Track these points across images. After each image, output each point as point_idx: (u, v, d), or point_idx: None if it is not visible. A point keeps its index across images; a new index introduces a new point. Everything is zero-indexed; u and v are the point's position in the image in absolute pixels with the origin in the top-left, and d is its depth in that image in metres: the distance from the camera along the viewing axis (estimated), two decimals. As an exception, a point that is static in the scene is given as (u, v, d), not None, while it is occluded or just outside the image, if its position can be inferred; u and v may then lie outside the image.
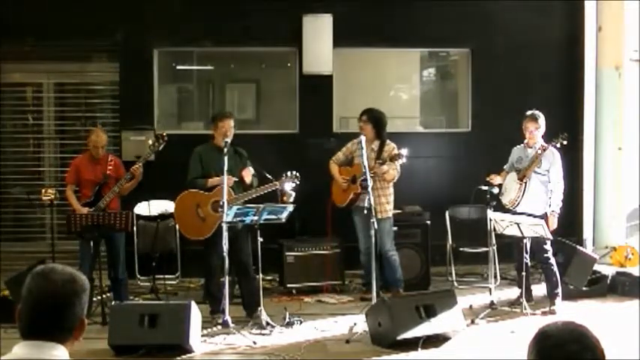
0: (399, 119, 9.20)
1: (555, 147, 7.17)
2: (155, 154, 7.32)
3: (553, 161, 7.17)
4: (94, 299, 6.84)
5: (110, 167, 7.05)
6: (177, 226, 7.93)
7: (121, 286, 7.11)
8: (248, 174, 6.77)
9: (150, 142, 7.21)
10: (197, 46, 9.13)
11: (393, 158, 7.31)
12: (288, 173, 6.71)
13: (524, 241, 7.00)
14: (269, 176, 6.74)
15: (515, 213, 7.08)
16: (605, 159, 9.56)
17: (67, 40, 8.52)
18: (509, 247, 7.46)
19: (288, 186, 6.71)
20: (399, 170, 7.47)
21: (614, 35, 9.47)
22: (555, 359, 1.98)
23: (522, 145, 7.36)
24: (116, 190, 6.98)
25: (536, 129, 7.19)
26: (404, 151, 7.18)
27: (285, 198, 6.75)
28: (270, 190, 6.74)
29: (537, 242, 7.07)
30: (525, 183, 7.15)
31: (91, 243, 6.81)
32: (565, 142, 7.17)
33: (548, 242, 7.08)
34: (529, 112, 7.25)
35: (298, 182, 6.72)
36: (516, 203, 7.17)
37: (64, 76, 9.05)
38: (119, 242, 7.09)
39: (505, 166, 7.49)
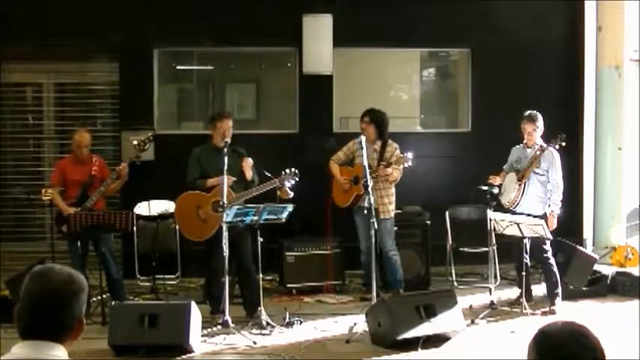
0: (399, 119, 9.19)
1: (554, 148, 7.18)
2: (155, 154, 7.31)
3: (552, 161, 7.18)
4: (94, 299, 6.84)
5: (95, 168, 7.03)
6: (177, 226, 7.94)
7: (116, 286, 7.08)
8: (248, 166, 6.75)
9: (135, 142, 7.15)
10: (197, 46, 9.13)
11: (398, 162, 7.31)
12: (287, 170, 6.71)
13: (524, 241, 7.00)
14: (268, 174, 6.74)
15: (514, 213, 7.09)
16: (605, 159, 9.56)
17: (67, 40, 8.51)
18: (510, 247, 7.46)
19: (288, 183, 6.71)
20: (402, 172, 7.47)
21: (614, 35, 9.46)
22: (556, 359, 1.98)
23: (521, 145, 7.37)
24: (102, 190, 6.95)
25: (534, 130, 7.20)
26: (409, 155, 7.18)
27: (282, 194, 6.74)
28: (269, 187, 6.74)
29: (536, 242, 7.08)
30: (525, 183, 7.16)
31: (79, 243, 6.80)
32: (563, 144, 7.18)
33: (547, 242, 7.08)
34: (527, 113, 7.26)
35: (297, 179, 6.73)
36: (516, 203, 7.18)
37: (64, 76, 9.05)
38: (104, 243, 6.98)
39: (504, 167, 7.49)
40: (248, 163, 6.78)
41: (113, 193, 7.21)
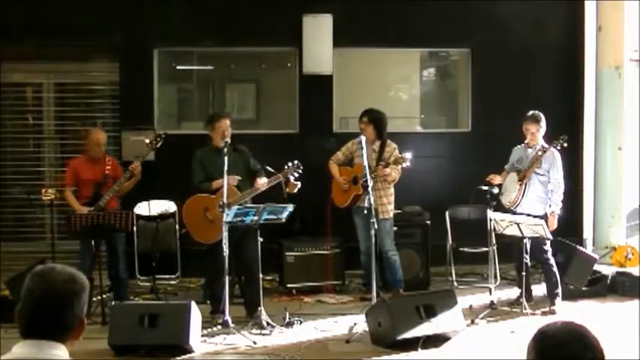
0: (399, 119, 9.20)
1: (555, 148, 7.17)
2: (155, 154, 7.31)
3: (553, 162, 7.16)
4: (94, 299, 6.85)
5: (108, 167, 7.06)
6: (177, 226, 7.95)
7: (121, 285, 7.14)
8: (263, 187, 6.75)
9: (147, 140, 7.19)
10: (197, 46, 9.13)
11: (397, 162, 7.31)
12: (290, 164, 6.72)
13: (525, 241, 6.99)
14: (271, 170, 6.74)
15: (515, 213, 7.08)
16: (605, 159, 9.55)
17: (67, 40, 8.51)
18: (510, 247, 7.46)
19: (292, 177, 6.72)
20: (400, 172, 7.47)
21: (614, 35, 9.46)
22: (555, 359, 1.98)
23: (523, 145, 7.35)
24: (115, 189, 6.99)
25: (537, 130, 7.17)
26: (408, 155, 7.18)
27: (289, 189, 6.74)
28: (274, 183, 6.75)
29: (536, 242, 7.07)
30: (525, 184, 7.15)
31: (92, 242, 6.81)
32: (565, 145, 7.17)
33: (548, 242, 7.08)
34: (530, 113, 7.23)
35: (301, 171, 6.73)
36: (516, 204, 7.17)
37: (64, 76, 9.05)
38: (118, 242, 7.12)
39: (506, 166, 7.48)
40: (261, 185, 6.76)
41: (126, 191, 7.24)
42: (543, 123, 7.20)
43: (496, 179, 7.31)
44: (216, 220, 6.70)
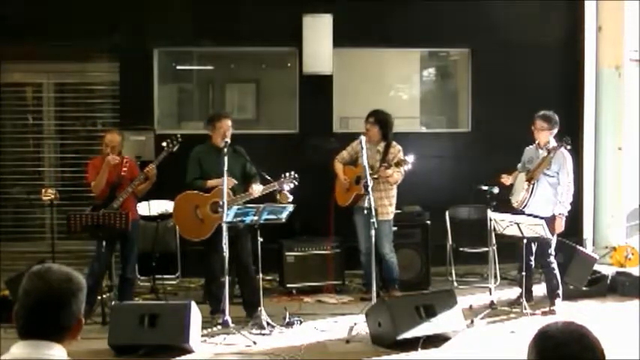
0: (399, 119, 9.17)
1: (566, 149, 7.10)
2: (155, 154, 7.31)
3: (563, 163, 7.06)
4: (98, 297, 6.85)
5: (125, 169, 7.04)
6: (177, 226, 7.94)
7: (127, 285, 7.13)
8: (257, 193, 6.75)
9: (164, 143, 7.18)
10: (197, 46, 9.13)
11: (398, 164, 7.30)
12: (287, 174, 6.72)
13: (526, 241, 6.97)
14: (268, 177, 6.74)
15: (523, 214, 7.02)
16: (605, 159, 9.55)
17: (67, 40, 8.51)
18: (510, 247, 7.44)
19: (287, 187, 6.73)
20: (403, 174, 7.46)
21: (614, 35, 9.46)
22: (555, 359, 1.98)
23: (534, 145, 7.27)
24: (129, 191, 6.98)
25: (549, 130, 7.11)
26: (410, 158, 7.17)
27: (281, 198, 6.75)
28: (268, 191, 6.76)
29: (541, 246, 7.05)
30: (533, 184, 7.08)
31: (103, 242, 6.80)
32: (568, 147, 7.13)
33: (552, 247, 7.05)
34: (541, 113, 7.12)
35: (297, 183, 6.73)
36: (524, 204, 7.10)
37: (64, 76, 9.04)
38: (133, 241, 7.14)
39: (518, 166, 7.41)
40: (255, 192, 6.74)
41: (141, 194, 7.23)
42: (555, 123, 7.12)
43: (508, 180, 7.25)
44: (206, 218, 6.71)
